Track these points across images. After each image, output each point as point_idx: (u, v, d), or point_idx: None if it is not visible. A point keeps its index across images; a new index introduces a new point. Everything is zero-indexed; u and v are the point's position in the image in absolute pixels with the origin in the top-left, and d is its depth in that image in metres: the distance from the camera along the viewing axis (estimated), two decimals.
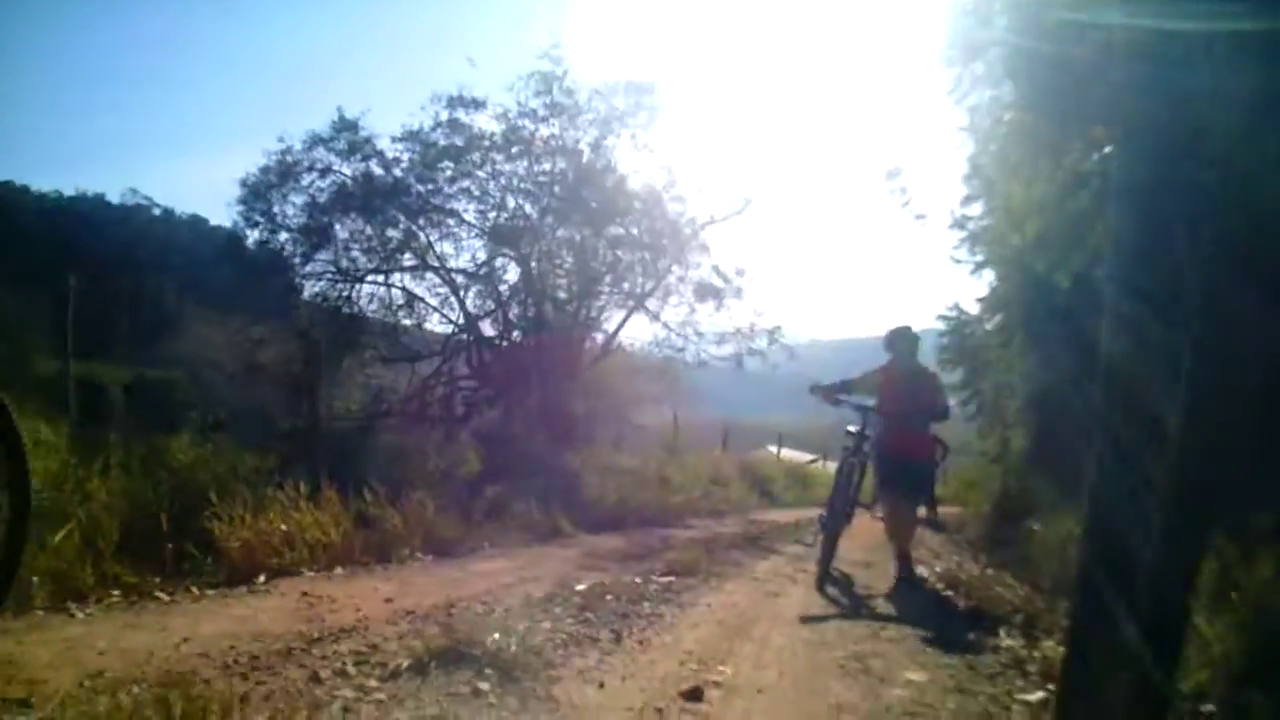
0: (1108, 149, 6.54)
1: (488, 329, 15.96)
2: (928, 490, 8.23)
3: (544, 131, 15.22)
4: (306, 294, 15.71)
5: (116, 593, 4.09)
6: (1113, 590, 1.48)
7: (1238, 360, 1.49)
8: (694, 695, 2.89)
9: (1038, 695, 3.09)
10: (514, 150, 15.20)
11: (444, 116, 15.05)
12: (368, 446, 10.82)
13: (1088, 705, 1.54)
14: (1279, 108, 1.56)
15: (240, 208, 15.42)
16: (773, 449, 26.59)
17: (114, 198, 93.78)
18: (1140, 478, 1.47)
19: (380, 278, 15.71)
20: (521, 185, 15.45)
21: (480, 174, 15.31)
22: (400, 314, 16.04)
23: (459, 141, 15.06)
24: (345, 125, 15.04)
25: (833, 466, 11.00)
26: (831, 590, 5.93)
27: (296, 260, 15.49)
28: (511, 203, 15.53)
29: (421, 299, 15.84)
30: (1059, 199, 6.93)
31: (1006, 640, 4.08)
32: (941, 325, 14.03)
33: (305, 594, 4.35)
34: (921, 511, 10.26)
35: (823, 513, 7.06)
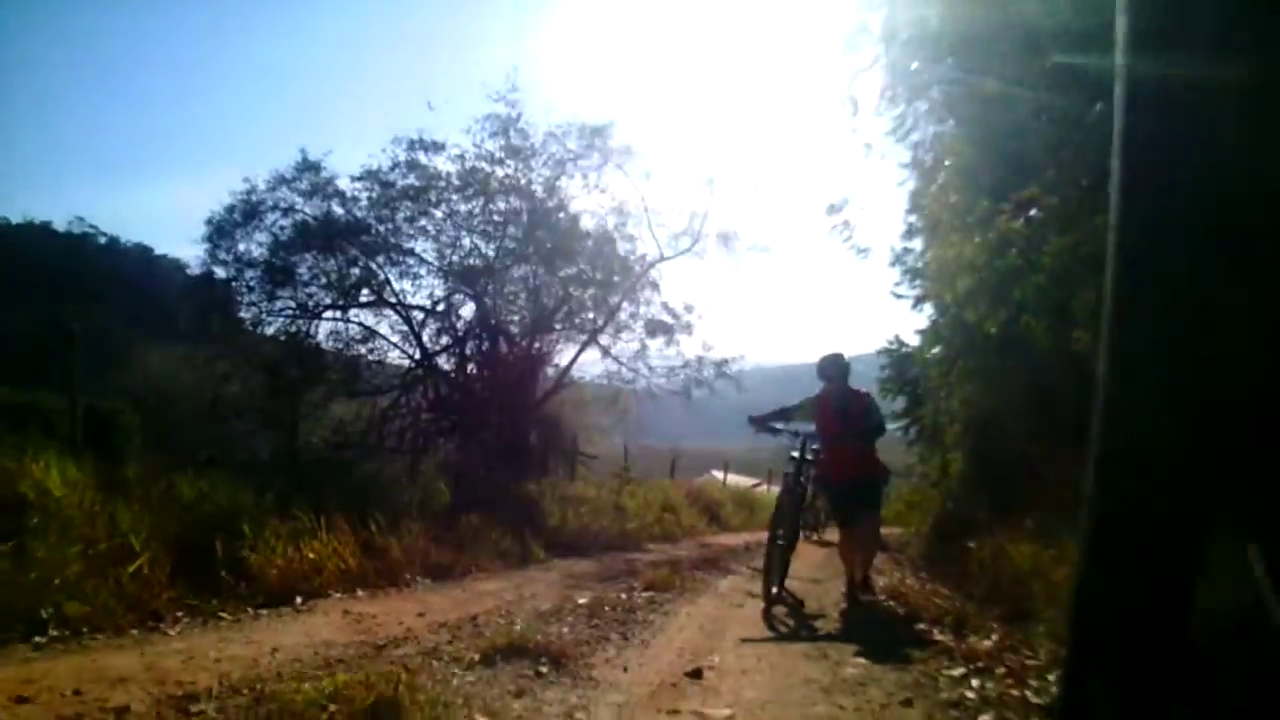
0: (1033, 211, 7.48)
1: (444, 363, 16.73)
2: (877, 508, 8.43)
3: (499, 172, 16.01)
4: (271, 329, 16.34)
5: (180, 613, 4.88)
6: (1110, 613, 1.53)
7: (1229, 366, 1.48)
8: (695, 674, 3.88)
9: (959, 671, 4.09)
10: (470, 191, 15.96)
11: (403, 157, 15.85)
12: (342, 477, 11.48)
13: None
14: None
15: (206, 245, 15.92)
16: (718, 474, 27.61)
17: (60, 225, 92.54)
18: (1136, 490, 1.50)
19: (338, 313, 16.40)
20: (477, 225, 16.21)
21: (437, 214, 16.08)
22: (358, 348, 16.80)
23: (416, 182, 15.82)
24: (308, 166, 15.78)
25: (775, 490, 11.83)
26: (778, 610, 6.40)
27: (259, 297, 16.15)
28: (467, 242, 16.27)
29: (379, 334, 16.50)
30: (988, 260, 7.84)
31: (939, 635, 5.11)
32: (883, 358, 15.22)
33: (346, 612, 5.20)
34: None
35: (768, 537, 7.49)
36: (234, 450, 14.34)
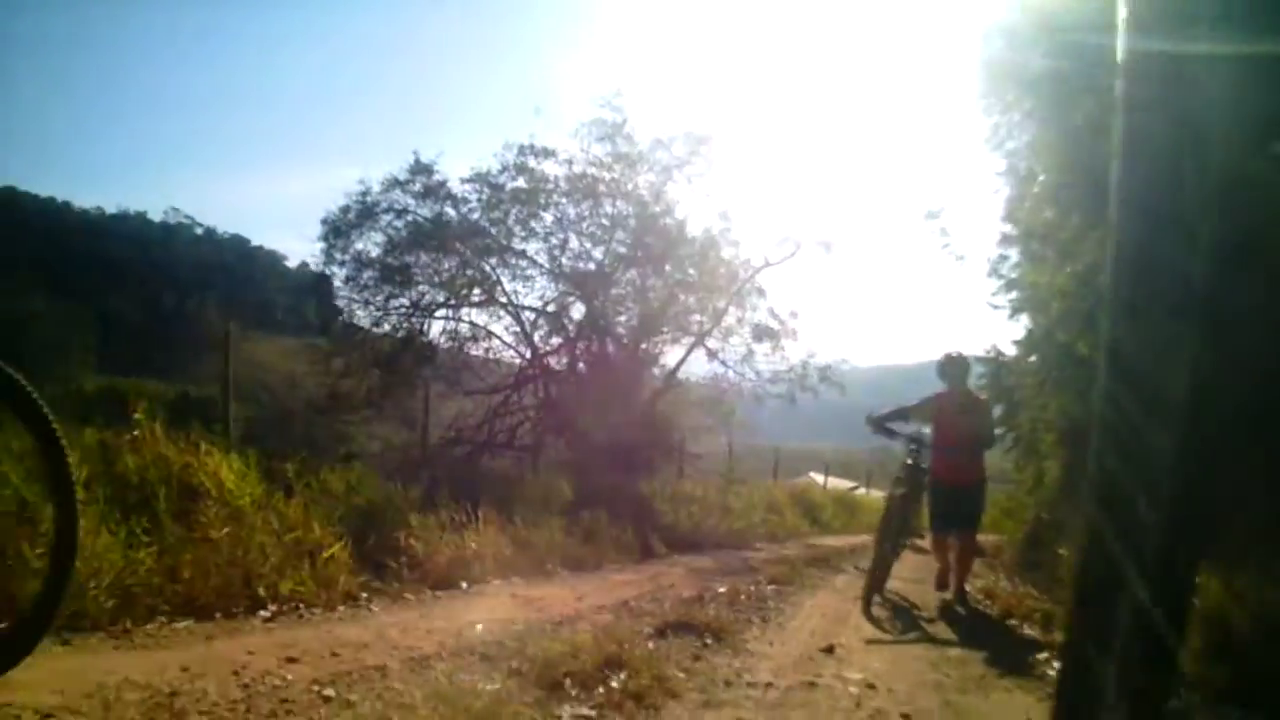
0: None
1: (555, 363, 17.76)
2: (978, 517, 8.53)
3: (606, 177, 17.03)
4: (386, 327, 17.53)
5: (366, 594, 5.76)
6: (1110, 604, 1.49)
7: (1236, 367, 1.49)
8: (829, 650, 4.66)
9: (1044, 655, 4.87)
10: (579, 195, 17.08)
11: (512, 161, 16.97)
12: (469, 472, 12.43)
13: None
14: None
15: (322, 244, 17.28)
16: (816, 476, 28.30)
17: (156, 215, 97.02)
18: (1137, 489, 1.48)
19: (450, 312, 17.54)
20: (586, 229, 17.30)
21: (547, 217, 17.18)
22: (468, 347, 17.91)
23: (525, 185, 16.93)
24: (420, 168, 16.98)
25: (875, 493, 12.40)
26: (881, 612, 6.78)
27: (374, 295, 17.32)
28: (576, 245, 17.36)
29: (490, 332, 17.68)
30: (1077, 287, 8.36)
31: (1028, 630, 5.91)
32: (981, 366, 15.74)
33: (514, 595, 6.06)
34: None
35: (876, 539, 7.87)
36: (346, 444, 15.50)
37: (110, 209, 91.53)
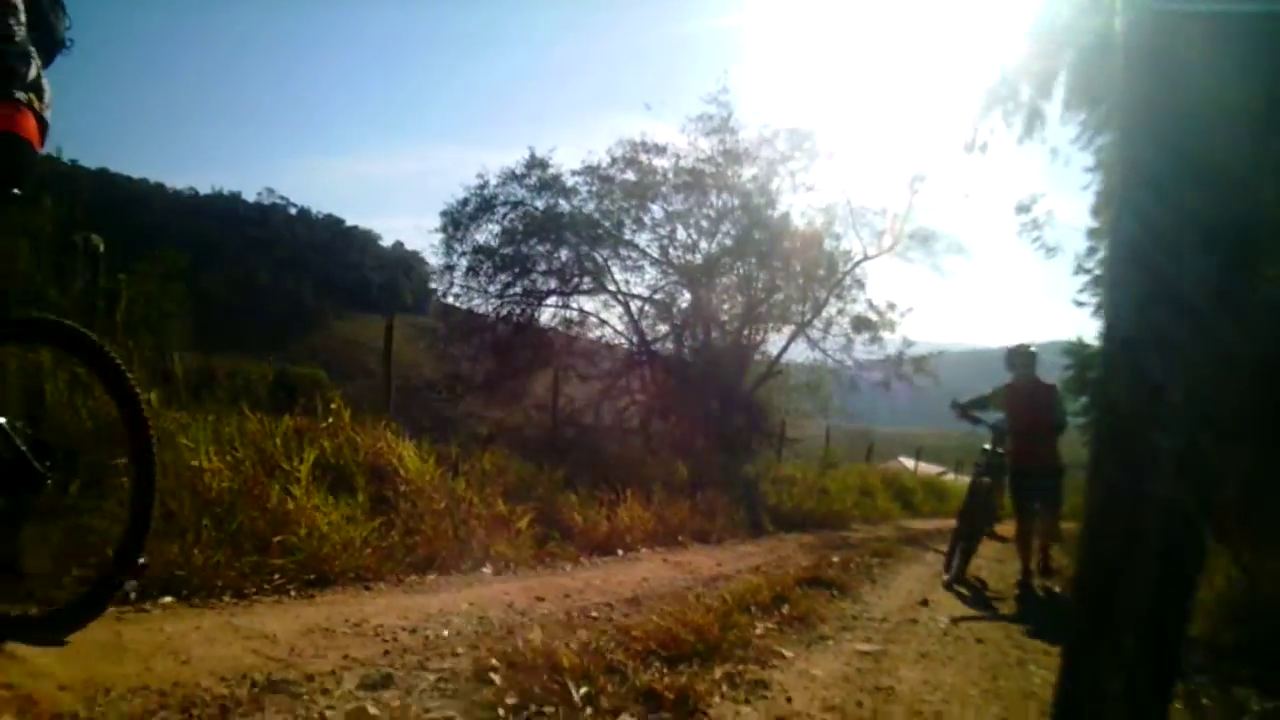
0: None
1: (661, 349, 19.55)
2: (1059, 498, 9.20)
3: (711, 170, 18.72)
4: (501, 313, 19.49)
5: (547, 558, 7.37)
6: (1112, 595, 1.47)
7: (1239, 357, 1.39)
8: (924, 603, 6.27)
9: None
10: (686, 189, 18.78)
11: (620, 154, 18.89)
12: (593, 453, 14.11)
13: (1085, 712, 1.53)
14: None
15: (441, 235, 19.31)
16: (907, 461, 29.71)
17: (250, 196, 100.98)
18: (1141, 475, 1.42)
19: (560, 299, 19.44)
20: (693, 220, 19.01)
21: (655, 209, 18.96)
22: (578, 333, 19.83)
23: (634, 177, 18.74)
24: (536, 163, 18.91)
25: (963, 479, 13.52)
26: (960, 589, 7.83)
27: (489, 282, 19.29)
28: (684, 236, 19.11)
29: (600, 319, 19.57)
30: None
31: None
32: (1067, 358, 17.11)
33: (664, 560, 7.77)
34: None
35: (957, 525, 8.81)
36: (463, 424, 17.33)
37: (204, 190, 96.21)
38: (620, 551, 8.03)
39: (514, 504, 7.57)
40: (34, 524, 3.55)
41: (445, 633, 3.90)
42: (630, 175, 19.01)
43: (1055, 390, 9.21)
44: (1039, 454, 8.64)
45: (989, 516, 9.27)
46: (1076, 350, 16.95)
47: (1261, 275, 1.44)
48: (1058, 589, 8.21)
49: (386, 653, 3.46)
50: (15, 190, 2.97)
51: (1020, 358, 8.98)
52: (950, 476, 27.41)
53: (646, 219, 19.24)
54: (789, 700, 3.28)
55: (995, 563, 9.93)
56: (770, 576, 6.48)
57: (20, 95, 2.92)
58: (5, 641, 2.90)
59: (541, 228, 18.98)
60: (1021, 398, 8.88)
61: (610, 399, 19.30)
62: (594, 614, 4.70)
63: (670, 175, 18.98)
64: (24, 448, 3.06)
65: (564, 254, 19.14)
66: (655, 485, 10.79)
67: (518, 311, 19.45)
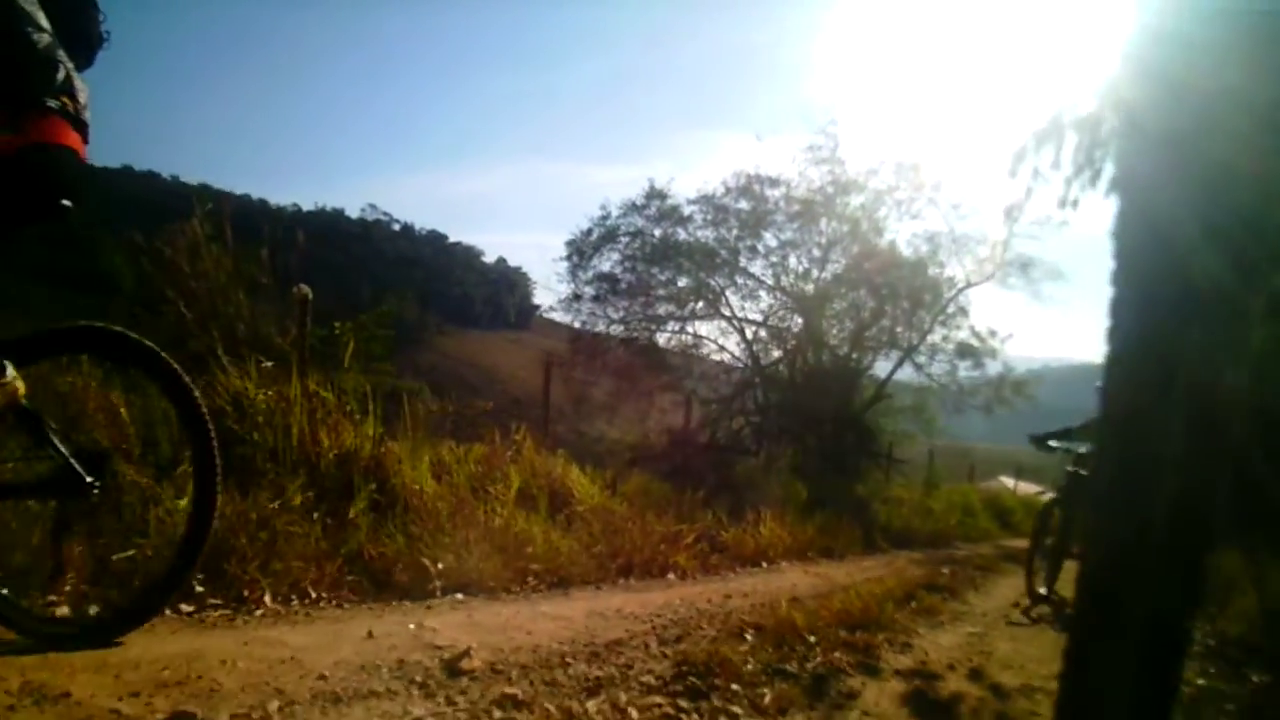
0: None
1: (773, 372, 21.67)
2: None
3: (820, 199, 20.91)
4: (620, 336, 21.83)
5: (696, 570, 9.60)
6: (1117, 601, 1.53)
7: (1240, 361, 1.42)
8: (1016, 605, 8.26)
9: None
10: (798, 218, 20.98)
11: (734, 184, 21.18)
12: (719, 473, 16.10)
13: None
14: None
15: (566, 263, 21.83)
16: (1007, 480, 31.36)
17: (353, 212, 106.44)
18: (1145, 484, 1.47)
19: (677, 324, 21.84)
20: (805, 248, 21.18)
21: (768, 237, 21.17)
22: (693, 355, 22.20)
23: (747, 206, 20.98)
24: (655, 194, 21.28)
25: None
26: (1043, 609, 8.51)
27: (611, 308, 21.65)
28: (795, 264, 21.21)
29: (716, 343, 21.89)
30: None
31: None
32: None
33: (805, 571, 9.82)
34: None
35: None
36: (588, 443, 19.21)
37: (306, 206, 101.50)
38: (764, 564, 10.02)
39: (668, 521, 9.46)
40: (85, 528, 4.01)
41: (684, 613, 5.90)
42: (744, 204, 21.21)
43: None
44: None
45: (1064, 542, 9.48)
46: None
47: (1267, 275, 1.42)
48: None
49: (654, 628, 5.28)
50: (66, 202, 3.18)
51: None
52: (1049, 496, 28.86)
53: (760, 247, 21.39)
54: (926, 655, 5.35)
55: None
56: (899, 581, 8.56)
57: (52, 103, 3.05)
58: (60, 647, 3.28)
59: (661, 255, 21.27)
60: None
61: (725, 419, 21.35)
62: (778, 603, 6.60)
63: (782, 204, 21.14)
64: (70, 456, 3.36)
65: (681, 281, 21.39)
66: (782, 505, 12.82)
67: (638, 335, 21.80)
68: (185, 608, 4.14)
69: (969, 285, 21.33)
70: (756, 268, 21.41)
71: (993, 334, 21.37)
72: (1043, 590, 8.85)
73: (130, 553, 4.20)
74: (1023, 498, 27.12)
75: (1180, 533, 1.47)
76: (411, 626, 4.40)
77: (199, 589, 4.38)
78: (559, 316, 22.88)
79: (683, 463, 15.21)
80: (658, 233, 21.49)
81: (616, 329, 21.78)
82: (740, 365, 22.03)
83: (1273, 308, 1.46)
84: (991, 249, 21.08)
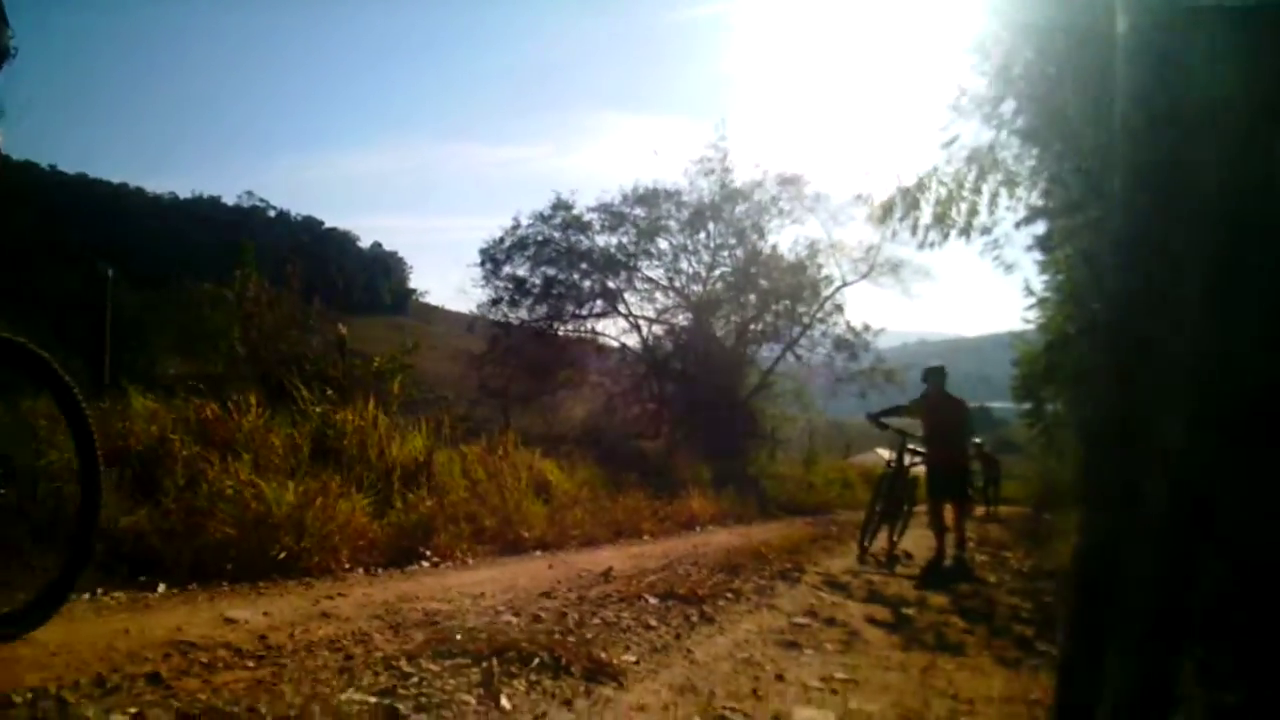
0: None
1: (666, 364, 26.01)
2: (965, 490, 12.43)
3: (708, 205, 25.47)
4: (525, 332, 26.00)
5: (645, 535, 14.14)
6: (1108, 597, 1.68)
7: (1236, 360, 1.58)
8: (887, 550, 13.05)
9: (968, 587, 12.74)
10: (689, 226, 25.53)
11: (630, 192, 25.54)
12: (638, 457, 20.09)
13: None
14: None
15: (481, 269, 26.02)
16: (883, 451, 36.51)
17: (230, 199, 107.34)
18: (1135, 486, 1.63)
19: (578, 322, 26.32)
20: (696, 255, 25.85)
21: (662, 242, 25.67)
22: (592, 350, 26.53)
23: (642, 212, 25.42)
24: (561, 205, 25.55)
25: None
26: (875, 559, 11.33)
27: (517, 307, 26.02)
28: (687, 267, 25.75)
29: (619, 341, 26.25)
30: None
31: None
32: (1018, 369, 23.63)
33: (731, 531, 13.97)
34: (980, 512, 17.60)
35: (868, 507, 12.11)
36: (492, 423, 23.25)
37: (183, 194, 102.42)
38: (698, 528, 14.06)
39: (630, 498, 13.40)
40: None
41: (669, 557, 9.70)
42: (640, 211, 25.78)
43: (963, 403, 12.13)
44: (948, 453, 11.77)
45: (895, 501, 12.34)
46: (1025, 358, 23.05)
47: (1252, 273, 1.52)
48: (958, 560, 11.61)
49: (664, 565, 8.98)
50: None
51: (934, 375, 11.98)
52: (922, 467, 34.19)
53: (654, 250, 26.05)
54: (827, 568, 9.65)
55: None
56: (800, 534, 13.01)
57: None
58: None
59: (566, 260, 25.71)
60: (934, 407, 11.93)
61: (624, 408, 25.93)
62: (731, 547, 10.66)
63: (675, 212, 25.86)
64: None
65: (585, 283, 25.87)
66: (693, 483, 16.98)
67: (546, 332, 26.13)
68: (419, 564, 7.96)
69: (845, 284, 26.29)
70: (652, 271, 26.06)
71: (866, 328, 26.36)
72: (867, 543, 11.57)
73: (35, 558, 4.64)
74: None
75: (1170, 533, 1.63)
76: (550, 562, 8.45)
77: (424, 551, 8.10)
78: (454, 306, 27.13)
79: (607, 450, 19.12)
80: (559, 237, 26.01)
81: (527, 326, 26.17)
82: (638, 359, 26.55)
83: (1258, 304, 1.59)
84: (865, 252, 25.83)
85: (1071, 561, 2.14)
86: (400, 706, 3.32)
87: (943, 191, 13.86)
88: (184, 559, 5.94)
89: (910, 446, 12.12)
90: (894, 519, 12.15)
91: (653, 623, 5.52)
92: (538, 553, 9.19)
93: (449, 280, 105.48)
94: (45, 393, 4.20)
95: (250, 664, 3.87)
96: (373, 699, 3.38)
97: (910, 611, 7.31)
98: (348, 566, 6.94)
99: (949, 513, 11.70)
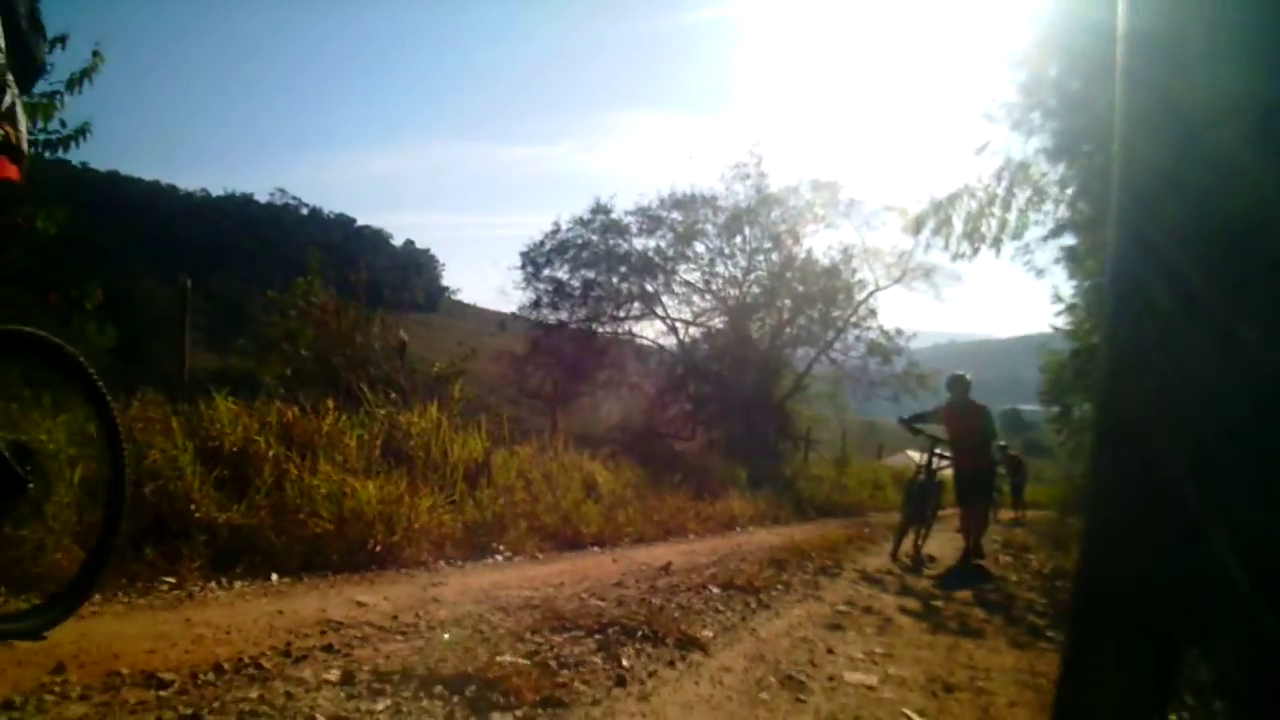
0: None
1: (703, 366, 27.09)
2: (989, 494, 13.20)
3: (745, 210, 26.53)
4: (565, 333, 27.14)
5: (690, 534, 15.24)
6: (1111, 609, 1.72)
7: (1244, 358, 1.59)
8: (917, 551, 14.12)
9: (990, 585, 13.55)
10: (726, 230, 26.61)
11: (668, 196, 26.64)
12: (675, 457, 20.67)
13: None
14: None
15: (522, 271, 27.13)
16: (914, 454, 37.48)
17: (262, 197, 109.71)
18: (1145, 488, 1.67)
19: (617, 323, 27.49)
20: (732, 259, 26.92)
21: (699, 246, 26.78)
22: (630, 351, 27.72)
23: (680, 216, 26.53)
24: (600, 209, 26.75)
25: None
26: (904, 559, 11.93)
27: (557, 308, 27.13)
28: (724, 270, 26.88)
29: (656, 343, 27.43)
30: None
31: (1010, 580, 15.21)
32: (1045, 374, 24.70)
33: (767, 531, 15.04)
34: (1007, 515, 18.55)
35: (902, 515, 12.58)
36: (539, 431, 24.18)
37: (216, 191, 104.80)
38: (737, 528, 15.08)
39: (675, 499, 14.41)
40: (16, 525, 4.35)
41: (717, 554, 10.78)
42: (677, 215, 26.92)
43: (985, 410, 12.39)
44: (969, 460, 12.25)
45: (926, 506, 12.86)
46: (1054, 367, 24.29)
47: (1266, 272, 1.54)
48: (984, 564, 12.28)
49: (715, 561, 10.07)
50: None
51: (957, 384, 12.38)
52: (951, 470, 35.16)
53: (690, 253, 27.18)
54: (864, 565, 10.72)
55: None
56: (837, 535, 14.02)
57: None
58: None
59: (605, 264, 26.88)
60: (956, 415, 12.32)
61: (661, 409, 27.06)
62: (773, 546, 11.71)
63: (711, 216, 26.93)
64: (6, 453, 3.65)
65: (623, 286, 27.05)
66: (729, 484, 18.05)
67: (586, 333, 27.26)
68: (494, 558, 8.99)
69: (878, 289, 27.30)
70: (689, 274, 27.19)
71: (899, 333, 27.36)
72: (900, 548, 12.13)
73: (58, 555, 4.71)
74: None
75: (1181, 537, 1.66)
76: (613, 556, 9.55)
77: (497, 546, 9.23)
78: (485, 304, 28.35)
79: (646, 451, 19.89)
80: (596, 240, 27.22)
81: (566, 328, 27.31)
82: (675, 360, 27.64)
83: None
84: (899, 258, 26.84)
85: (1077, 560, 2.21)
86: (551, 663, 4.39)
87: (973, 205, 14.77)
88: (294, 551, 6.71)
89: (938, 451, 12.70)
90: (920, 523, 12.66)
91: (720, 608, 6.61)
92: (595, 549, 10.17)
93: (486, 280, 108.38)
94: (74, 388, 4.14)
95: (399, 638, 4.73)
96: (524, 660, 4.40)
97: (938, 603, 8.46)
98: (431, 559, 7.79)
99: (971, 517, 12.44)
